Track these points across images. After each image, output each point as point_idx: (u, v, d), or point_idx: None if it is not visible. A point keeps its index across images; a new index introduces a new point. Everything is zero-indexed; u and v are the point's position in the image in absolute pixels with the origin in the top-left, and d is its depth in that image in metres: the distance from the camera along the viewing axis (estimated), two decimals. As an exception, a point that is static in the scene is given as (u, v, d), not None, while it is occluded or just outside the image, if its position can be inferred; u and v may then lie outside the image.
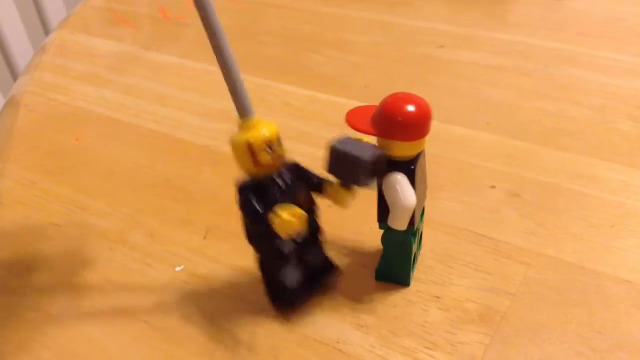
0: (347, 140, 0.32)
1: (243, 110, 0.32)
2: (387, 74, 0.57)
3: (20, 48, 1.00)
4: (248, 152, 0.31)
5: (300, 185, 0.33)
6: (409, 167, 0.32)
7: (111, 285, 0.37)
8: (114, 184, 0.45)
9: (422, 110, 0.31)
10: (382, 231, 0.35)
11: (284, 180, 0.32)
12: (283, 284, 0.34)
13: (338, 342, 0.33)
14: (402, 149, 0.32)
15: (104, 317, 0.35)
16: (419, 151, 0.33)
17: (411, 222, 0.33)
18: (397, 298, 0.35)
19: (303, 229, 0.32)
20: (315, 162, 0.45)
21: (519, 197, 0.41)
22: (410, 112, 0.31)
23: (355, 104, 0.33)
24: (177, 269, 0.38)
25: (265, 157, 0.31)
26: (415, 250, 0.36)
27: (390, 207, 0.32)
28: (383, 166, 0.32)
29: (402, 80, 0.56)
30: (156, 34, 0.70)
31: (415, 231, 0.35)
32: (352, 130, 0.32)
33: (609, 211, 0.40)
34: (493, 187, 0.42)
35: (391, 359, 0.32)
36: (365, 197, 0.42)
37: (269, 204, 0.32)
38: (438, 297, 0.35)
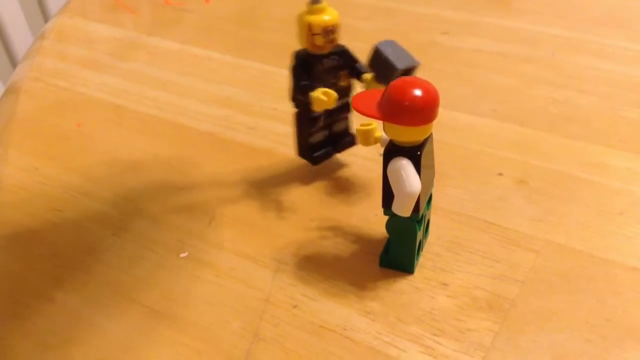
0: (391, 44, 0.37)
1: None
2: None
3: (20, 35, 0.99)
4: (307, 31, 0.38)
5: (343, 68, 0.40)
6: (415, 153, 0.32)
7: (115, 271, 0.36)
8: (117, 170, 0.45)
9: (430, 94, 0.31)
10: (387, 217, 0.34)
11: (330, 61, 0.39)
12: (309, 141, 0.41)
13: (345, 329, 0.32)
14: (408, 134, 0.32)
15: (109, 303, 0.34)
16: (425, 137, 0.32)
17: (416, 209, 0.32)
18: (404, 285, 0.35)
19: (331, 106, 0.38)
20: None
21: (526, 184, 0.41)
22: (417, 97, 0.30)
23: (359, 90, 0.33)
24: (182, 255, 0.37)
25: (319, 40, 0.38)
26: (421, 237, 0.35)
27: (395, 193, 0.32)
28: (413, 74, 0.36)
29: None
30: (157, 19, 0.69)
31: (421, 218, 0.34)
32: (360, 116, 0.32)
33: (617, 199, 0.39)
34: (500, 174, 0.42)
35: (398, 345, 0.31)
36: (370, 184, 0.42)
37: (314, 77, 0.39)
38: (445, 284, 0.34)
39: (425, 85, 0.31)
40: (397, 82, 0.31)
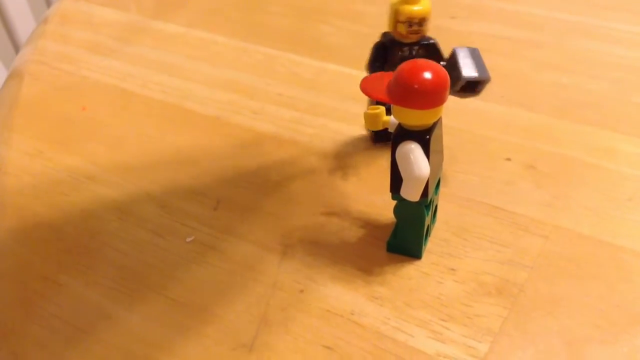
0: (471, 52, 0.36)
1: None
2: (398, 45, 0.56)
3: (23, 19, 0.98)
4: (393, 17, 0.38)
5: (430, 56, 0.38)
6: (424, 137, 0.31)
7: (121, 255, 0.36)
8: (123, 154, 0.44)
9: (439, 77, 0.30)
10: (395, 202, 0.34)
11: (411, 52, 0.38)
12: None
13: (352, 314, 0.32)
14: (417, 118, 0.31)
15: (115, 287, 0.34)
16: (434, 120, 0.32)
17: (424, 194, 0.32)
18: (412, 270, 0.34)
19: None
20: (327, 134, 0.45)
21: (534, 169, 0.40)
22: (427, 80, 0.30)
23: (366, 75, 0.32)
24: (188, 239, 0.37)
25: (401, 28, 0.37)
26: (429, 223, 0.35)
27: (403, 178, 0.32)
28: (481, 88, 0.36)
29: (414, 51, 0.55)
30: (161, 3, 0.69)
31: (429, 203, 0.34)
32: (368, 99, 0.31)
33: (626, 184, 0.39)
34: (509, 159, 0.41)
35: (406, 330, 0.31)
36: (378, 168, 0.41)
37: (390, 62, 0.38)
38: (453, 269, 0.34)
39: (435, 68, 0.30)
40: (406, 65, 0.31)
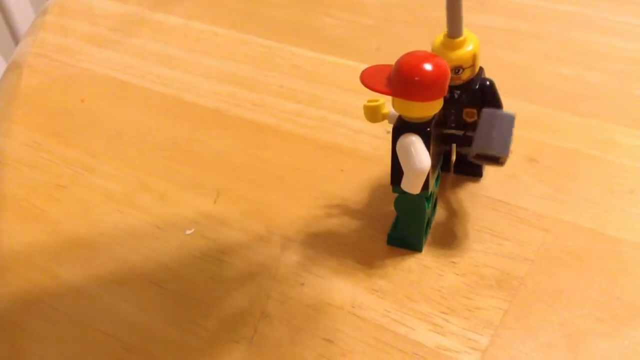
0: (503, 119, 0.33)
1: (452, 31, 0.34)
2: (399, 36, 0.56)
3: (22, 11, 0.98)
4: None
5: (474, 102, 0.35)
6: (425, 129, 0.31)
7: (120, 247, 0.36)
8: (122, 146, 0.44)
9: (440, 69, 0.30)
10: (395, 195, 0.34)
11: (452, 95, 0.35)
12: None
13: (353, 307, 0.32)
14: (418, 110, 0.31)
15: (114, 279, 0.34)
16: (435, 112, 0.32)
17: (425, 186, 0.32)
18: (412, 263, 0.34)
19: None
20: (328, 126, 0.45)
21: (536, 162, 0.40)
22: (427, 71, 0.30)
23: (367, 67, 0.32)
24: (188, 232, 0.37)
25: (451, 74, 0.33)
26: (429, 215, 0.35)
27: (404, 170, 0.31)
28: (499, 163, 0.33)
29: (415, 42, 0.54)
30: (161, -5, 0.68)
31: (430, 196, 0.34)
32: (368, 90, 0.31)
33: (628, 177, 0.39)
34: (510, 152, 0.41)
35: (407, 323, 0.31)
36: (379, 160, 0.41)
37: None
38: (454, 262, 0.34)
39: (435, 60, 0.30)
40: (407, 57, 0.31)
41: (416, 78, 0.30)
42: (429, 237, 0.35)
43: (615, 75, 0.49)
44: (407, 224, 0.34)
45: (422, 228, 0.34)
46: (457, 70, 0.34)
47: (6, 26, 0.98)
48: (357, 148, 0.42)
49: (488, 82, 0.35)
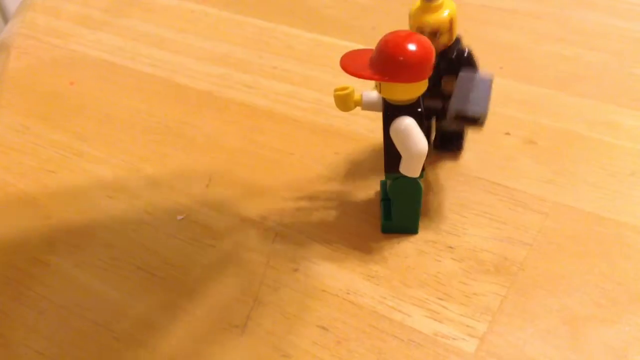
0: (478, 81, 0.32)
1: None
2: (395, 16, 0.54)
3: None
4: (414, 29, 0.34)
5: (450, 72, 0.34)
6: (416, 110, 0.30)
7: (111, 233, 0.35)
8: (111, 129, 0.43)
9: (425, 47, 0.29)
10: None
11: (438, 61, 0.32)
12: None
13: (348, 293, 0.31)
14: (406, 92, 0.30)
15: (104, 266, 0.34)
16: (422, 93, 0.31)
17: (422, 168, 0.31)
18: (409, 248, 0.34)
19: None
20: (322, 108, 0.44)
21: (534, 144, 0.39)
22: (412, 51, 0.29)
23: (363, 47, 0.31)
24: (179, 217, 0.36)
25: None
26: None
27: (403, 155, 0.31)
28: (478, 125, 0.32)
29: (411, 23, 0.54)
30: (152, -25, 0.67)
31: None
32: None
33: (628, 159, 0.38)
34: (508, 134, 0.40)
35: (403, 310, 0.31)
36: (375, 143, 0.40)
37: None
38: (451, 247, 0.33)
39: (419, 38, 0.29)
40: (388, 37, 0.30)
41: (401, 58, 0.29)
42: (426, 221, 0.35)
43: (616, 55, 0.48)
44: (403, 208, 0.34)
45: (418, 211, 0.34)
46: (434, 34, 0.33)
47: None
48: (353, 131, 0.42)
49: (466, 50, 0.35)
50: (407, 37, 0.29)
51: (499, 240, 0.33)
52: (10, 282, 0.33)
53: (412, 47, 0.29)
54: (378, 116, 0.42)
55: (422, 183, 0.32)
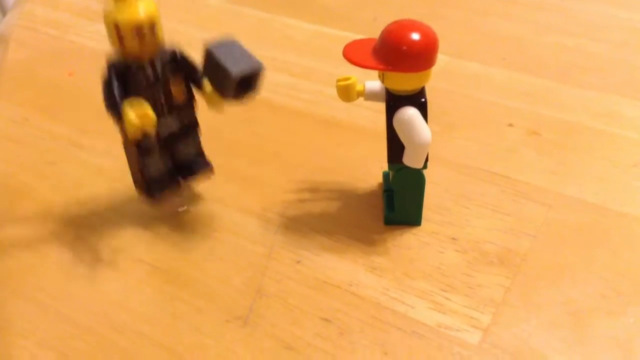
0: (230, 44, 0.29)
1: None
2: (396, 7, 0.54)
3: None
4: (115, 33, 0.29)
5: (176, 77, 0.30)
6: (420, 101, 0.30)
7: (111, 225, 0.35)
8: (110, 120, 0.43)
9: (429, 37, 0.29)
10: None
11: (154, 70, 0.29)
12: (143, 174, 0.32)
13: (350, 285, 0.31)
14: (410, 82, 0.30)
15: (104, 258, 0.33)
16: (426, 83, 0.30)
17: (426, 159, 0.31)
18: (412, 240, 0.33)
19: (150, 131, 0.29)
20: (323, 99, 0.44)
21: (538, 135, 0.39)
22: (416, 41, 0.29)
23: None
24: (180, 209, 0.36)
25: (131, 44, 0.29)
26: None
27: (407, 145, 0.30)
28: (258, 82, 0.30)
29: (413, 13, 0.53)
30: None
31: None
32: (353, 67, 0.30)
33: (631, 150, 0.38)
34: (511, 125, 0.40)
35: (406, 301, 0.30)
36: (377, 135, 0.40)
37: (133, 92, 0.29)
38: (455, 238, 0.33)
39: (423, 28, 0.29)
40: (392, 27, 0.29)
41: (404, 47, 0.29)
42: (429, 213, 0.34)
43: (619, 46, 0.48)
44: (407, 199, 0.33)
45: (421, 202, 0.33)
46: (142, 31, 0.29)
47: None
48: (354, 122, 0.41)
49: (178, 50, 0.31)
50: (411, 26, 0.29)
51: (502, 231, 0.33)
52: (9, 273, 0.33)
53: (415, 36, 0.29)
54: (380, 107, 0.41)
55: (425, 174, 0.32)
